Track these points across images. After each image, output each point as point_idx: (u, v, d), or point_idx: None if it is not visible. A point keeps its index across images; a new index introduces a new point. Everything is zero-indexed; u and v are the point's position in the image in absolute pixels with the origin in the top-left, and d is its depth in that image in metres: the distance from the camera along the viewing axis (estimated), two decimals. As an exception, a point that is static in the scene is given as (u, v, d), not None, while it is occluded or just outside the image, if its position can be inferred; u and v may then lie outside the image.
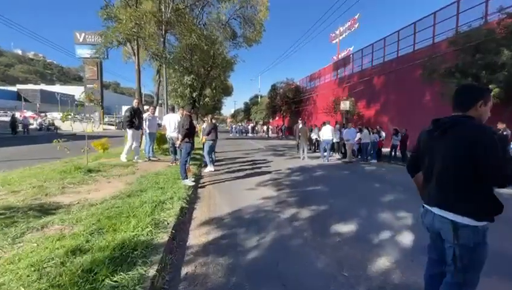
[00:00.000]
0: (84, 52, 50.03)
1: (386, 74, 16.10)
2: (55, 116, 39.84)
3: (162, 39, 10.77)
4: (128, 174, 5.59)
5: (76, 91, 60.07)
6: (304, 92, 30.34)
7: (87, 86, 50.91)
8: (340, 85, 21.72)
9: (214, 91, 20.32)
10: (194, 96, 19.52)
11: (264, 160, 10.08)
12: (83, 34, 49.19)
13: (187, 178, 5.32)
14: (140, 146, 8.03)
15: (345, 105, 16.76)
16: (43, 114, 39.01)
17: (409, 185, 6.29)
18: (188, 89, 19.03)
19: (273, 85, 32.50)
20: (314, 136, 14.32)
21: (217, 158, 9.94)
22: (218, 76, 20.25)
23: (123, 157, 7.23)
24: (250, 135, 35.99)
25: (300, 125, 11.16)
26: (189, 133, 5.35)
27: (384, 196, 5.22)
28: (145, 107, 11.25)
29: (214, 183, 5.86)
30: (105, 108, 49.32)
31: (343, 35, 37.75)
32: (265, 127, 36.79)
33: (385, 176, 7.72)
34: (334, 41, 39.33)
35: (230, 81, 39.85)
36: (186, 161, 5.48)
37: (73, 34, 48.97)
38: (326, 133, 10.42)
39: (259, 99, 48.51)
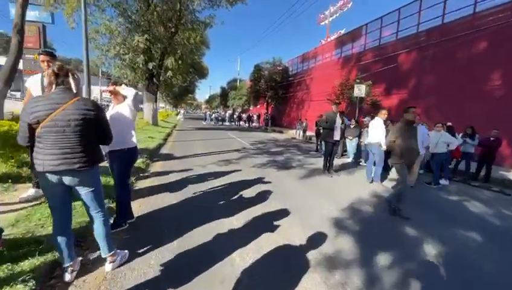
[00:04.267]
0: (21, 13, 40.32)
1: (421, 48, 11.66)
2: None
3: None
4: None
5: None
6: (293, 76, 25.42)
7: (26, 56, 41.67)
8: (345, 66, 17.05)
9: (180, 62, 14.48)
10: (151, 67, 13.66)
11: (262, 181, 5.06)
12: (19, -10, 39.37)
13: None
14: None
15: (360, 90, 12.13)
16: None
17: None
18: (142, 56, 13.11)
19: (256, 65, 27.06)
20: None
21: (166, 179, 4.62)
22: (187, 41, 14.43)
23: None
24: (227, 123, 30.70)
25: (335, 115, 6.06)
26: None
27: None
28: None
29: None
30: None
31: (334, 16, 33.30)
32: (243, 115, 31.66)
33: None
34: (322, 23, 34.70)
35: (205, 61, 33.87)
36: None
37: (6, -11, 39.12)
38: (376, 133, 5.60)
39: (238, 83, 42.89)
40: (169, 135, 13.36)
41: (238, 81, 43.54)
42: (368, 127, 9.12)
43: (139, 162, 5.64)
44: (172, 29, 13.79)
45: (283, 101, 26.10)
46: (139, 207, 3.42)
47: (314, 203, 4.08)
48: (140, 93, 2.54)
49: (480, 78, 9.19)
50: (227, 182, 4.97)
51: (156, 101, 16.06)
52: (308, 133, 15.81)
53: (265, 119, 26.57)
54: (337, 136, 5.91)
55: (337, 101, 11.18)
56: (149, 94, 15.46)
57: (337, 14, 32.40)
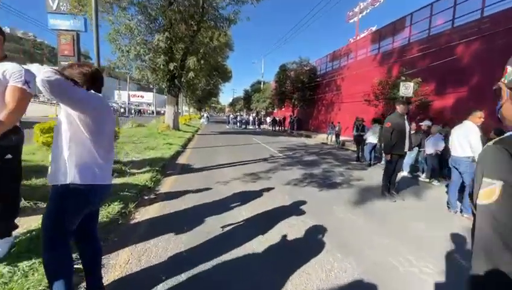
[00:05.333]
0: (58, 22, 42.80)
1: (488, 36, 9.59)
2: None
3: None
4: None
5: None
6: (322, 76, 23.69)
7: (61, 63, 43.90)
8: (384, 62, 15.10)
9: (203, 62, 13.54)
10: (172, 68, 12.85)
11: (303, 210, 3.66)
12: (56, 1, 41.80)
13: None
14: None
15: (407, 89, 10.27)
16: None
17: None
18: (162, 56, 12.34)
19: (282, 66, 25.72)
20: (370, 139, 8.10)
21: (177, 205, 3.17)
22: (210, 40, 13.48)
23: None
24: (251, 127, 29.60)
25: (399, 119, 4.47)
26: None
27: None
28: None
29: None
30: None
31: (364, 13, 31.15)
32: (268, 119, 30.46)
33: None
34: (351, 21, 32.63)
35: (228, 64, 33.20)
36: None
37: (45, 1, 41.74)
38: (468, 144, 3.93)
39: (262, 85, 41.76)
40: (190, 140, 12.41)
41: (262, 83, 42.41)
42: (424, 133, 7.44)
43: (146, 178, 4.51)
44: (195, 27, 12.89)
45: (310, 103, 24.41)
46: (126, 264, 2.20)
47: (389, 254, 2.62)
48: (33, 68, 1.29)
49: None
50: (259, 211, 3.64)
51: (177, 104, 15.28)
52: (342, 138, 14.11)
53: (291, 123, 25.04)
54: (406, 146, 4.36)
55: (403, 99, 9.35)
56: (170, 97, 14.73)
57: (368, 11, 30.19)
